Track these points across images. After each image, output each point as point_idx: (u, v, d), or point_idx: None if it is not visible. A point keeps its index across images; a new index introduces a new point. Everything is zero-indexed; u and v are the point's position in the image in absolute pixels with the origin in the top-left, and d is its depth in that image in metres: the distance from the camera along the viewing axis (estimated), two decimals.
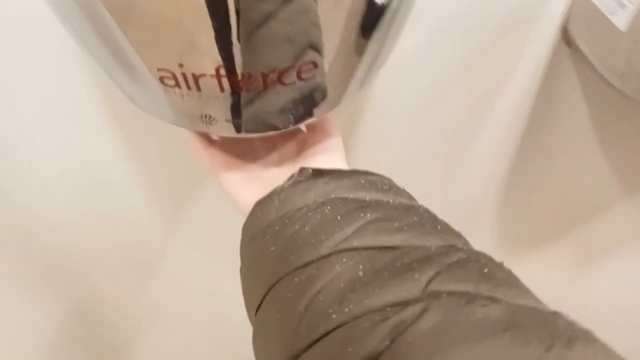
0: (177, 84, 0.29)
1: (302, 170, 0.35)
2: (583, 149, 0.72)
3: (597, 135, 0.70)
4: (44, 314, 0.75)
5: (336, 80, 0.33)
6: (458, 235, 0.32)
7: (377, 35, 0.32)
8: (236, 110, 0.31)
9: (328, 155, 0.40)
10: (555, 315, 0.26)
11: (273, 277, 0.31)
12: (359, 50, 0.33)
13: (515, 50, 0.61)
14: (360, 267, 0.28)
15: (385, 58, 0.37)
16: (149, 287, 0.80)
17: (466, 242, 0.32)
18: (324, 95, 0.33)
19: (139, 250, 0.75)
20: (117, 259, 0.74)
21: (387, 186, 0.35)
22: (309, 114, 0.34)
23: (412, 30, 0.53)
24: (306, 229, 0.31)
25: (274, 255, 0.31)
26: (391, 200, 0.33)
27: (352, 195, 0.32)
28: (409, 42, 0.55)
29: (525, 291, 0.28)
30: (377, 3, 0.30)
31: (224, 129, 0.33)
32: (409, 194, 0.36)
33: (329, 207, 0.31)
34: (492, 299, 0.25)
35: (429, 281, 0.26)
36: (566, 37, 0.59)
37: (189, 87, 0.29)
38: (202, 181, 0.67)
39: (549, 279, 0.92)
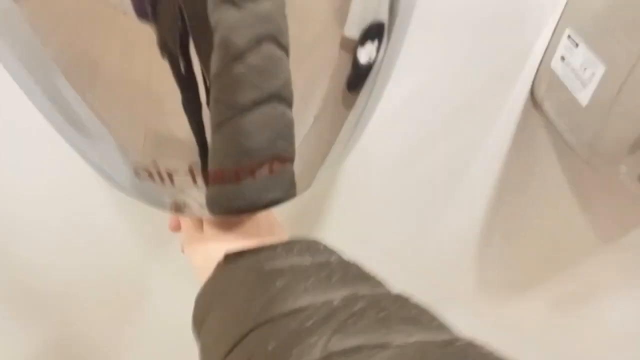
0: (152, 177, 0.31)
1: (226, 256, 0.38)
2: (558, 201, 0.75)
3: (571, 188, 0.73)
4: (27, 345, 0.76)
5: (307, 168, 0.35)
6: (368, 279, 0.34)
7: (344, 132, 0.35)
8: (209, 198, 0.33)
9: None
10: (451, 343, 0.27)
11: None
12: (329, 142, 0.35)
13: (490, 110, 0.63)
14: (270, 342, 0.30)
15: (354, 143, 0.39)
16: (133, 321, 0.81)
17: (376, 285, 0.34)
18: (293, 185, 0.35)
19: (125, 284, 0.76)
20: (102, 293, 0.75)
21: (304, 248, 0.37)
22: (281, 199, 0.36)
23: (393, 89, 0.56)
24: (228, 312, 0.34)
25: (211, 346, 0.35)
26: (306, 262, 0.35)
27: (267, 267, 0.35)
28: (390, 101, 0.57)
29: (427, 323, 0.30)
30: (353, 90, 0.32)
31: (197, 212, 0.35)
32: (328, 250, 0.38)
33: (246, 285, 0.34)
34: (382, 346, 0.27)
35: (326, 343, 0.28)
36: (533, 99, 0.61)
37: (162, 180, 0.31)
38: None
39: (528, 322, 0.94)
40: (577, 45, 0.49)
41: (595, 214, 0.76)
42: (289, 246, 0.37)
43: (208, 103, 0.28)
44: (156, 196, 0.34)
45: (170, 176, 0.32)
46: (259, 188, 0.33)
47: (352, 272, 0.35)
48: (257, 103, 0.27)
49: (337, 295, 0.31)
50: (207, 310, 0.36)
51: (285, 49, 0.26)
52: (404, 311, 0.30)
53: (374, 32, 0.31)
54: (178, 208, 0.35)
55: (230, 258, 0.37)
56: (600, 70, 0.46)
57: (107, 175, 0.36)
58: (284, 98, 0.28)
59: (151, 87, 0.28)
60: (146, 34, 0.25)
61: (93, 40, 0.26)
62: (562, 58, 0.52)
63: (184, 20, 0.25)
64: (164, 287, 0.77)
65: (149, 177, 0.32)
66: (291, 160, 0.32)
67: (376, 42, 0.31)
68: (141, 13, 0.25)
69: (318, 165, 0.37)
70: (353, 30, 0.29)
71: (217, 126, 0.29)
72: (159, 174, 0.31)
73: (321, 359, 0.27)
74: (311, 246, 0.38)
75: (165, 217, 0.65)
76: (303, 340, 0.29)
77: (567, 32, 0.51)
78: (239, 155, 0.30)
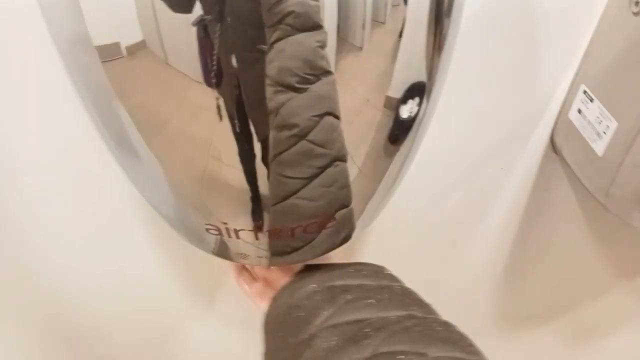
0: (220, 234, 0.35)
1: (304, 266, 0.44)
2: (575, 239, 0.78)
3: (588, 228, 0.77)
4: None
5: (352, 216, 0.40)
6: (424, 306, 0.40)
7: (385, 181, 0.39)
8: (267, 251, 0.38)
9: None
10: None
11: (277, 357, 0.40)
12: (372, 191, 0.39)
13: (513, 155, 0.68)
14: (334, 340, 0.36)
15: (394, 191, 0.43)
16: None
17: (429, 311, 0.39)
18: (344, 237, 0.40)
19: (161, 328, 0.80)
20: (138, 336, 0.80)
21: (372, 271, 0.43)
22: (328, 250, 0.41)
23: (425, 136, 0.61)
24: (302, 313, 0.40)
25: (282, 337, 0.40)
26: (372, 283, 0.41)
27: (338, 283, 0.41)
28: (421, 146, 0.62)
29: (464, 346, 0.35)
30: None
31: (255, 262, 0.39)
32: (392, 277, 0.44)
33: (319, 294, 0.40)
34: (422, 355, 0.33)
35: (377, 346, 0.34)
36: (553, 145, 0.65)
37: (229, 236, 0.36)
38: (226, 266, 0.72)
39: (545, 354, 0.96)
40: (592, 100, 0.53)
41: (612, 252, 0.80)
42: (359, 267, 0.43)
43: (263, 159, 0.32)
44: (204, 241, 0.39)
45: (237, 235, 0.37)
46: (323, 240, 0.38)
47: (410, 297, 0.41)
48: (323, 168, 0.32)
49: (393, 313, 0.37)
50: (281, 311, 0.42)
51: (338, 116, 0.31)
52: (447, 333, 0.36)
53: (416, 91, 0.35)
54: (227, 255, 0.40)
55: (306, 271, 0.44)
56: (613, 124, 0.50)
57: (163, 214, 0.41)
58: (343, 156, 0.33)
59: (212, 142, 0.32)
60: (211, 98, 0.30)
61: (166, 101, 0.31)
62: (579, 110, 0.56)
63: (240, 89, 0.30)
64: (201, 333, 0.82)
65: (218, 234, 0.37)
66: (350, 205, 0.36)
67: (417, 100, 0.36)
68: (208, 82, 0.29)
69: (361, 212, 0.41)
70: (396, 91, 0.34)
71: (283, 198, 0.33)
72: (227, 230, 0.36)
73: (370, 357, 0.34)
74: (379, 271, 0.44)
75: (205, 262, 0.70)
76: (359, 341, 0.35)
77: (583, 87, 0.55)
78: (306, 218, 0.35)
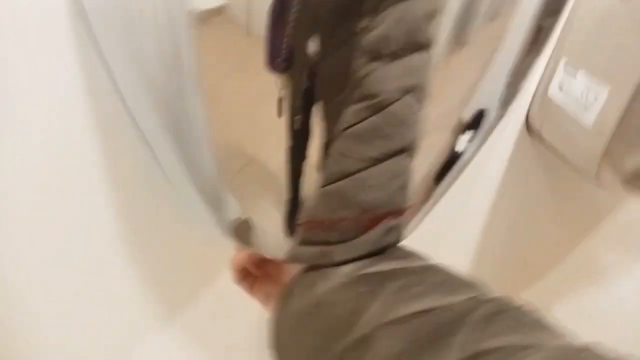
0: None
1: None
2: (552, 218, 0.83)
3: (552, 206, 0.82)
4: None
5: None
6: (474, 285, 0.35)
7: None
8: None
9: None
10: (587, 349, 0.29)
11: None
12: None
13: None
14: (396, 342, 0.30)
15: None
16: None
17: (484, 291, 0.34)
18: (400, 235, 0.38)
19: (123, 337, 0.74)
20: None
21: (403, 253, 0.38)
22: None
23: None
24: (337, 311, 0.33)
25: (313, 346, 0.33)
26: (409, 265, 0.36)
27: (372, 269, 0.35)
28: None
29: (554, 329, 0.30)
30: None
31: (272, 253, 0.38)
32: (422, 255, 0.39)
33: (353, 286, 0.34)
34: (533, 347, 0.28)
35: (463, 343, 0.28)
36: (529, 128, 0.68)
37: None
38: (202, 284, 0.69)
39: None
40: (575, 71, 0.57)
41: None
42: (391, 252, 0.37)
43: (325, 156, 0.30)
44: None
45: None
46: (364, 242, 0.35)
47: (457, 277, 0.35)
48: (389, 155, 0.30)
49: (455, 298, 0.32)
50: (302, 311, 0.35)
51: (422, 102, 0.29)
52: (526, 316, 0.32)
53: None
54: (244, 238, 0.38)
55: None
56: (604, 91, 0.53)
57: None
58: (412, 150, 0.31)
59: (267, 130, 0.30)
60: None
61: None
62: (560, 87, 0.59)
63: (311, 77, 0.28)
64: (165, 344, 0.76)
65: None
66: (404, 212, 0.35)
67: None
68: (273, 66, 0.27)
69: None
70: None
71: (336, 179, 0.31)
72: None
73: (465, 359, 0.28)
74: (406, 251, 0.39)
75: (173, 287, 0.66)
76: (435, 342, 0.29)
77: (564, 60, 0.58)
78: (356, 210, 0.32)
